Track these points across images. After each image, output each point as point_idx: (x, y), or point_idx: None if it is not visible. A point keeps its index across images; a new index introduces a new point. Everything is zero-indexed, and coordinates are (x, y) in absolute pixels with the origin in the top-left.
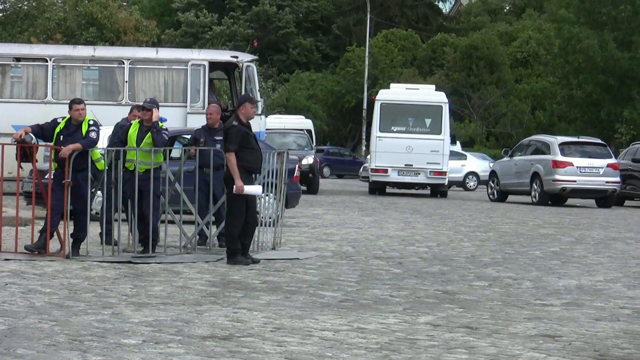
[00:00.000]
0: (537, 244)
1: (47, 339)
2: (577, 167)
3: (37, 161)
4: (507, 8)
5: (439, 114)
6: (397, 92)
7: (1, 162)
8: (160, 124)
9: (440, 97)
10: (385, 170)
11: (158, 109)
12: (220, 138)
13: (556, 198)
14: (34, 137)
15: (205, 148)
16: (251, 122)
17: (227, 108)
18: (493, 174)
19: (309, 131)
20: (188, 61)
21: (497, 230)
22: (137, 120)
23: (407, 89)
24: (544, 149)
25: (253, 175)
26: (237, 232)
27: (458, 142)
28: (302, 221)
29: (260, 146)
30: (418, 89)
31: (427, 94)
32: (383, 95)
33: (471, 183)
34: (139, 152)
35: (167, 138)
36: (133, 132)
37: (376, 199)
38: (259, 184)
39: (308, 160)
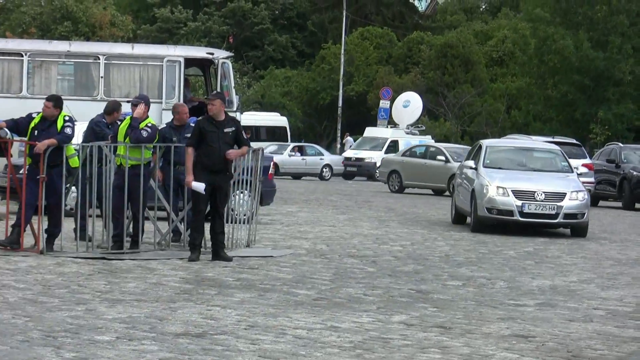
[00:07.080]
0: (511, 244)
1: (21, 335)
2: None
3: (12, 156)
4: (483, 7)
5: None
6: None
7: None
8: (148, 120)
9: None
10: None
11: (148, 105)
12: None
13: None
14: (8, 132)
15: (180, 145)
16: None
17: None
18: None
19: (284, 128)
20: (164, 57)
21: (471, 230)
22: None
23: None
24: None
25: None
26: (195, 227)
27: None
28: (277, 219)
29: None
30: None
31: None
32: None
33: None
34: (128, 147)
35: (144, 136)
36: (123, 126)
37: (351, 197)
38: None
39: None
